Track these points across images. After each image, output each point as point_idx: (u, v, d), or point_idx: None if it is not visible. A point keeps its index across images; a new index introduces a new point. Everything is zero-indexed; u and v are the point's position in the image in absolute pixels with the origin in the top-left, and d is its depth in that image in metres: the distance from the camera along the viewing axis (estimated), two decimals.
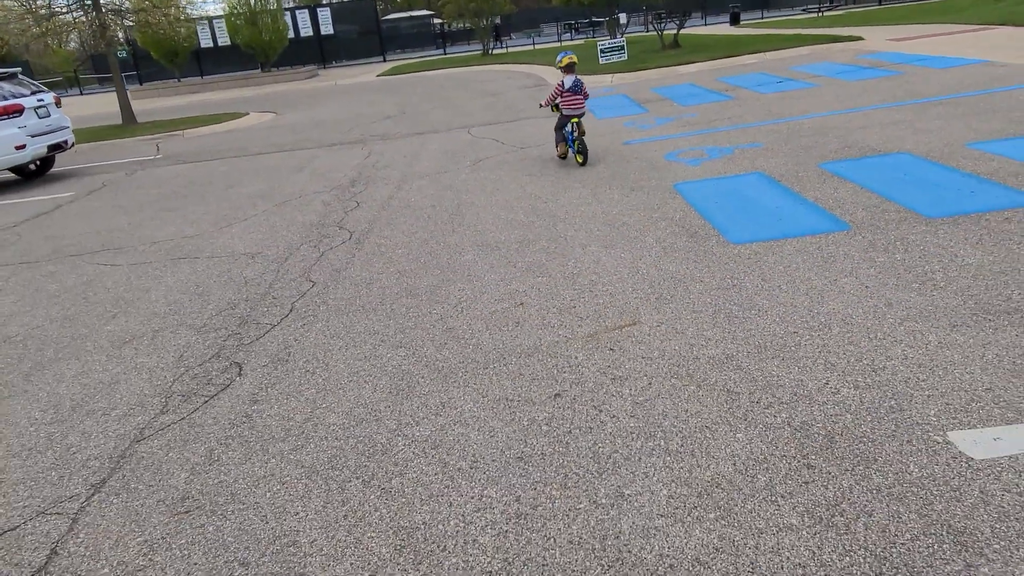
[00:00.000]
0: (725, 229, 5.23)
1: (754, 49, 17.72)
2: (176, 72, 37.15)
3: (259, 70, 36.83)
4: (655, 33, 25.59)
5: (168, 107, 25.64)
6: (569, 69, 7.90)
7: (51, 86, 43.19)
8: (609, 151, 8.67)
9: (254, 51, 34.66)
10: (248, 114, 19.14)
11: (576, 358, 3.62)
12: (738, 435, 2.81)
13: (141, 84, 38.67)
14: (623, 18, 34.86)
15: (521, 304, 4.39)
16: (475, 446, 2.98)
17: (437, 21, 55.99)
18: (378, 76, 29.58)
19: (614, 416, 3.06)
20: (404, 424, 3.23)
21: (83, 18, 19.39)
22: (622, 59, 18.26)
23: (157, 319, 5.01)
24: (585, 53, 24.38)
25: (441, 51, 42.68)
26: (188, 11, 23.99)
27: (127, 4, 20.13)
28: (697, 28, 34.59)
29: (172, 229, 7.56)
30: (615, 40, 18.70)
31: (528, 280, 4.78)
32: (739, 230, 5.17)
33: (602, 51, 18.38)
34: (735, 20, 34.57)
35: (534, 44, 37.12)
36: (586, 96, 7.95)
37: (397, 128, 13.35)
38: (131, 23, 21.17)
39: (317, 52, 40.19)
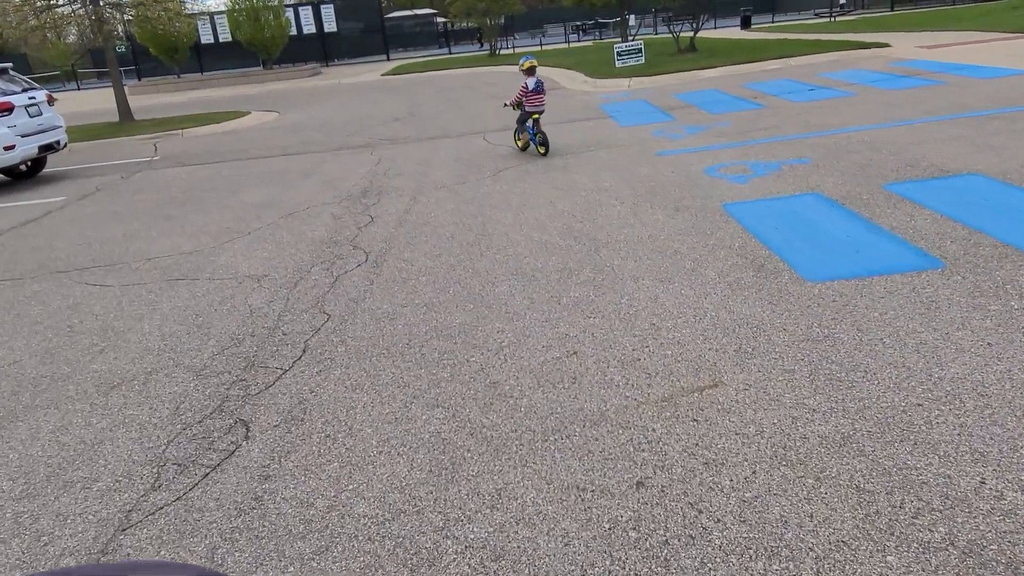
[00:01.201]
0: (795, 262, 4.63)
1: (776, 54, 17.12)
2: (175, 68, 36.45)
3: (260, 67, 36.18)
4: (667, 35, 25.02)
5: (167, 104, 24.98)
6: (531, 72, 8.78)
7: (48, 80, 42.45)
8: (641, 163, 8.07)
9: (256, 48, 33.99)
10: (250, 113, 18.50)
11: (653, 430, 3.01)
12: (888, 558, 2.21)
13: (139, 79, 38.00)
14: (632, 20, 34.25)
15: (574, 353, 3.78)
16: (547, 560, 2.37)
17: (440, 20, 55.39)
18: (382, 75, 28.97)
19: (718, 520, 2.45)
20: (452, 520, 2.61)
21: (81, 11, 18.72)
22: (639, 63, 17.65)
23: (150, 357, 4.39)
24: (596, 56, 23.77)
25: (446, 50, 42.06)
26: (188, 7, 23.32)
27: None
28: (707, 31, 33.96)
29: (169, 243, 6.93)
30: (632, 43, 18.08)
31: (577, 321, 4.17)
32: (812, 264, 4.56)
33: (619, 54, 17.77)
34: (746, 23, 34.00)
35: (541, 45, 36.52)
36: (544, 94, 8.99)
37: (406, 131, 12.73)
38: (130, 17, 20.51)
39: (319, 49, 39.54)
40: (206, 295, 5.36)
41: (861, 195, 5.88)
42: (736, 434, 2.92)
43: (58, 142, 11.50)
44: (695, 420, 3.05)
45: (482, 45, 43.18)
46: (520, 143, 9.51)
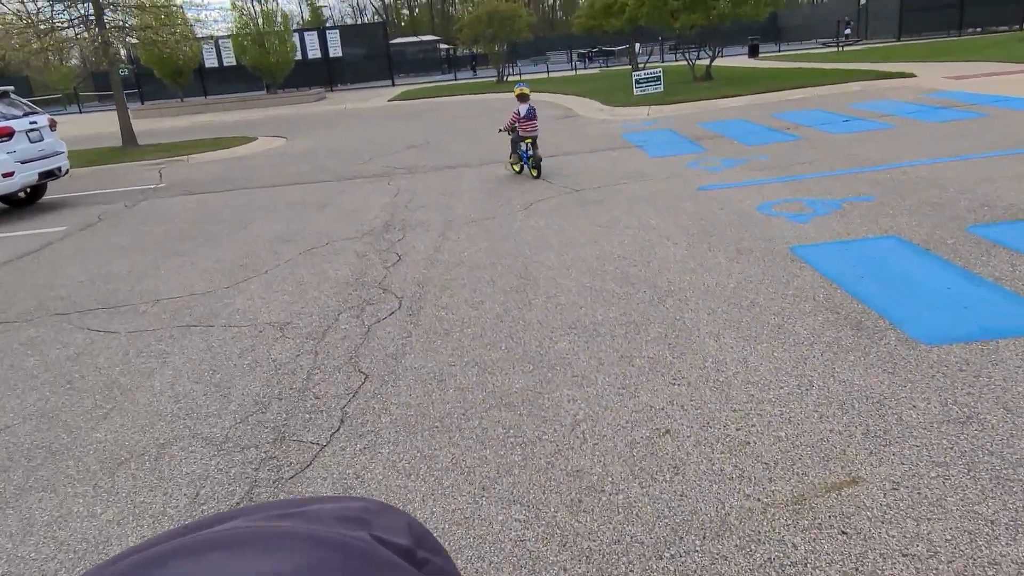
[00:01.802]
0: (899, 319, 4.08)
1: (797, 83, 16.75)
2: (179, 91, 36.16)
3: (264, 91, 35.90)
4: (675, 63, 24.73)
5: (171, 128, 24.56)
6: (523, 98, 9.19)
7: (50, 103, 42.16)
8: (683, 198, 7.55)
9: (260, 72, 33.72)
10: (257, 139, 18.05)
11: (795, 547, 2.44)
12: None
13: (142, 103, 37.71)
14: (638, 48, 34.06)
15: (667, 432, 3.21)
16: None
17: (443, 47, 55.52)
18: (389, 101, 28.66)
19: None
20: None
21: (85, 34, 18.34)
22: (658, 91, 17.27)
23: (162, 424, 3.81)
24: (606, 83, 23.48)
25: (451, 76, 41.97)
26: (196, 29, 23.01)
27: (131, 21, 19.10)
28: (717, 60, 33.78)
29: (179, 281, 6.37)
30: (651, 71, 17.72)
31: (659, 389, 3.60)
32: (920, 322, 4.02)
33: (637, 82, 17.39)
34: (754, 52, 33.89)
35: (548, 72, 36.35)
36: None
37: (423, 160, 12.25)
38: (135, 41, 20.16)
39: (324, 74, 39.33)
40: (223, 346, 4.79)
41: (945, 239, 5.36)
42: (903, 555, 2.34)
43: (59, 168, 10.98)
44: (843, 532, 2.48)
45: (475, 72, 43.11)
46: (516, 167, 9.78)
